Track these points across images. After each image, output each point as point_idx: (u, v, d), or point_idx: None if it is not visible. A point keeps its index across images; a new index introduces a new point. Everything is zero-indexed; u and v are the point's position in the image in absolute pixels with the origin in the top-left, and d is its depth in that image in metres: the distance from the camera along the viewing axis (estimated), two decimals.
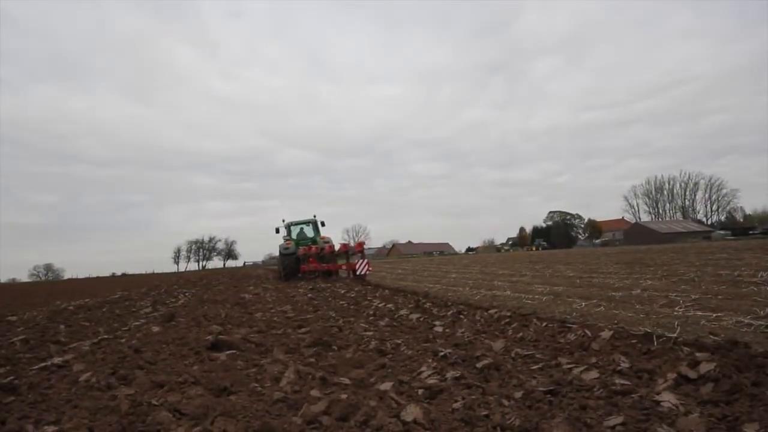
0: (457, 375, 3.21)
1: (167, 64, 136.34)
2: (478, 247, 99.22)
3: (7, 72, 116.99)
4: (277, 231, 19.69)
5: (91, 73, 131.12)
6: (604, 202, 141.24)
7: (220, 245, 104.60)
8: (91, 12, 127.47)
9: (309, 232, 20.01)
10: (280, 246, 18.81)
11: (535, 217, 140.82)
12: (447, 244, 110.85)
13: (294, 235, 19.71)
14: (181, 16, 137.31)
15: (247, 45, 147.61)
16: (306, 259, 17.82)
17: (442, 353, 3.92)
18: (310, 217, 20.24)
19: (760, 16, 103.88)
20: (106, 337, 5.69)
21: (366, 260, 15.25)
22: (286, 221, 20.00)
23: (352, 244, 20.18)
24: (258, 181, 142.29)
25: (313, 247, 17.92)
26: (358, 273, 14.91)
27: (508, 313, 5.74)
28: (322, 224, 19.88)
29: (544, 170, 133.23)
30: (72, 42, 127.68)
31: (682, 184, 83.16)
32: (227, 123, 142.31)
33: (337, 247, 17.59)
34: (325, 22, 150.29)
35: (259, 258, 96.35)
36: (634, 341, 3.85)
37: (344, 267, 16.50)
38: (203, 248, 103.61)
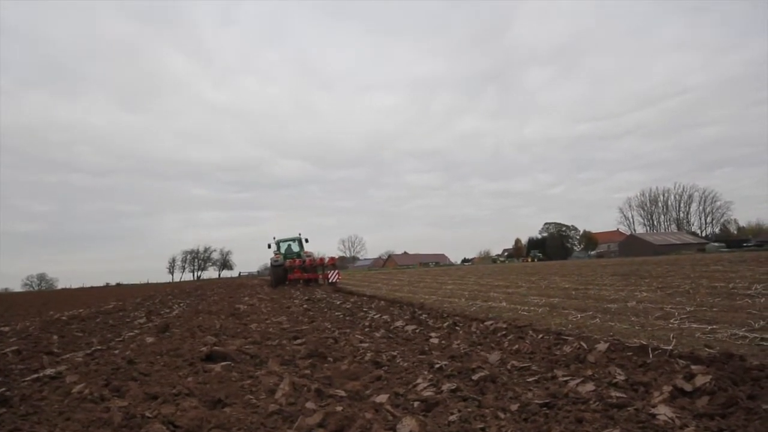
0: (453, 387, 3.20)
1: (160, 72, 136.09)
2: (473, 258, 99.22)
3: None
4: (269, 246, 23.78)
5: (84, 80, 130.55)
6: (599, 213, 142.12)
7: (216, 255, 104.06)
8: (84, 19, 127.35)
9: (295, 247, 24.15)
10: (270, 259, 22.94)
11: (531, 229, 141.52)
12: (443, 255, 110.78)
13: (282, 250, 23.79)
14: (174, 24, 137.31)
15: (240, 53, 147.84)
16: (292, 269, 22.12)
17: (437, 365, 3.91)
18: (296, 234, 24.54)
19: (752, 28, 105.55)
20: (99, 348, 5.64)
21: (337, 271, 20.34)
22: (276, 238, 24.10)
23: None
24: (253, 191, 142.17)
25: (297, 260, 22.22)
26: (330, 281, 19.59)
27: (504, 325, 5.74)
28: (306, 241, 24.13)
29: (538, 181, 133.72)
30: (64, 49, 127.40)
31: (677, 196, 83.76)
32: (221, 132, 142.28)
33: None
34: (319, 31, 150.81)
35: (254, 268, 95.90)
36: (629, 354, 3.85)
37: (321, 277, 20.97)
38: (198, 258, 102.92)
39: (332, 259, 21.73)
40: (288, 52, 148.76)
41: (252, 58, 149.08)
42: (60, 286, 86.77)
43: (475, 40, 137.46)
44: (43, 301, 21.52)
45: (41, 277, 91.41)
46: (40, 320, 9.71)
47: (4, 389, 3.50)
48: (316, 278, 21.47)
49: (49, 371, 4.17)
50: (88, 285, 77.92)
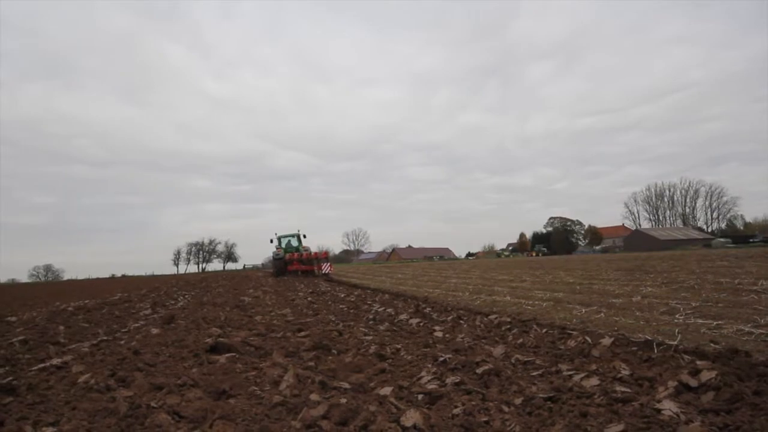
0: (457, 380, 3.21)
1: (160, 64, 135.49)
2: (478, 253, 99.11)
3: None
4: (272, 241, 27.25)
5: (83, 73, 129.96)
6: (604, 208, 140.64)
7: (220, 248, 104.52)
8: (83, 11, 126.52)
9: (294, 242, 27.59)
10: (273, 252, 26.81)
11: (535, 223, 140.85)
12: (447, 249, 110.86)
13: (283, 245, 27.29)
14: (173, 17, 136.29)
15: (239, 46, 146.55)
16: (291, 261, 25.66)
17: (441, 358, 3.91)
18: (295, 230, 28.16)
19: (755, 22, 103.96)
20: (105, 338, 5.69)
21: (329, 263, 23.84)
22: (278, 234, 27.68)
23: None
24: (255, 184, 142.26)
25: (296, 254, 25.79)
26: (323, 272, 22.96)
27: (508, 319, 5.74)
28: (304, 236, 27.91)
29: (542, 176, 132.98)
30: (63, 41, 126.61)
31: (683, 191, 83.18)
32: (222, 124, 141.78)
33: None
34: (318, 24, 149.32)
35: (259, 261, 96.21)
36: (634, 348, 3.84)
37: (316, 268, 24.22)
38: (203, 250, 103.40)
39: (325, 253, 25.35)
40: (287, 45, 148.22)
41: (251, 51, 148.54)
42: (66, 277, 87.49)
43: (475, 34, 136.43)
44: (49, 292, 21.71)
45: (48, 268, 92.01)
46: (47, 311, 9.79)
47: (11, 378, 3.53)
48: (313, 269, 24.53)
49: (55, 361, 4.20)
50: (93, 276, 78.48)
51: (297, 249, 26.84)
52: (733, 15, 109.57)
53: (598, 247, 78.52)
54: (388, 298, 10.20)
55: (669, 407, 2.44)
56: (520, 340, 4.68)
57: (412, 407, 2.65)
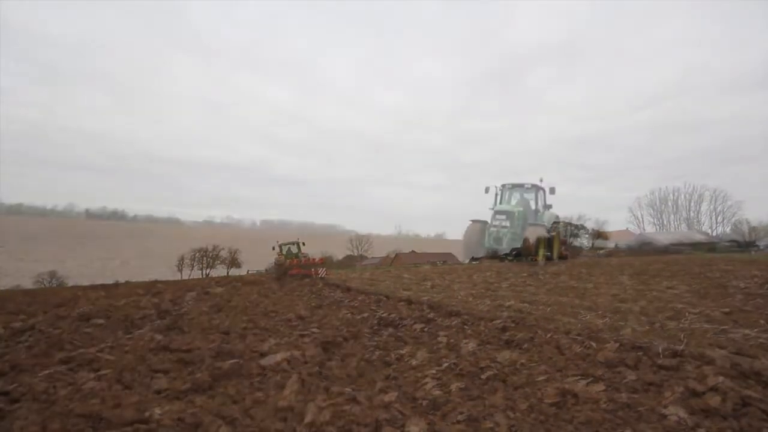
0: (462, 386, 3.20)
1: (161, 70, 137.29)
2: (482, 257, 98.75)
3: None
4: (273, 248, 30.02)
5: (84, 78, 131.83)
6: (607, 213, 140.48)
7: (224, 253, 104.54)
8: (82, 17, 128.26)
9: (294, 249, 30.55)
10: (275, 259, 29.10)
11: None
12: (450, 254, 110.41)
13: (284, 252, 30.12)
14: (175, 25, 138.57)
15: (241, 52, 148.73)
16: (291, 267, 27.91)
17: (446, 364, 3.90)
18: (294, 239, 30.61)
19: (757, 26, 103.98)
20: (110, 344, 5.69)
21: (324, 268, 25.10)
22: (279, 242, 30.21)
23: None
24: (258, 189, 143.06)
25: (295, 260, 27.61)
26: (319, 276, 24.32)
27: (513, 324, 5.72)
28: (303, 244, 30.42)
29: (545, 180, 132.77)
30: (65, 47, 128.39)
31: (687, 195, 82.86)
32: (222, 130, 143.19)
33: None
34: (319, 29, 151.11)
35: (262, 267, 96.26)
36: (640, 353, 3.82)
37: (313, 272, 25.70)
38: (207, 256, 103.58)
39: (321, 259, 28.07)
40: (288, 50, 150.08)
41: (252, 57, 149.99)
42: (71, 283, 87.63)
43: (476, 41, 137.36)
44: (54, 298, 21.71)
45: (52, 275, 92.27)
46: (52, 316, 9.81)
47: (15, 385, 3.54)
48: (310, 274, 25.64)
49: (60, 367, 4.22)
50: (98, 282, 78.69)
51: (296, 255, 29.74)
52: (736, 17, 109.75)
53: (602, 252, 78.11)
54: (391, 302, 10.17)
55: (675, 412, 2.43)
56: (525, 345, 4.66)
57: (416, 413, 2.64)
